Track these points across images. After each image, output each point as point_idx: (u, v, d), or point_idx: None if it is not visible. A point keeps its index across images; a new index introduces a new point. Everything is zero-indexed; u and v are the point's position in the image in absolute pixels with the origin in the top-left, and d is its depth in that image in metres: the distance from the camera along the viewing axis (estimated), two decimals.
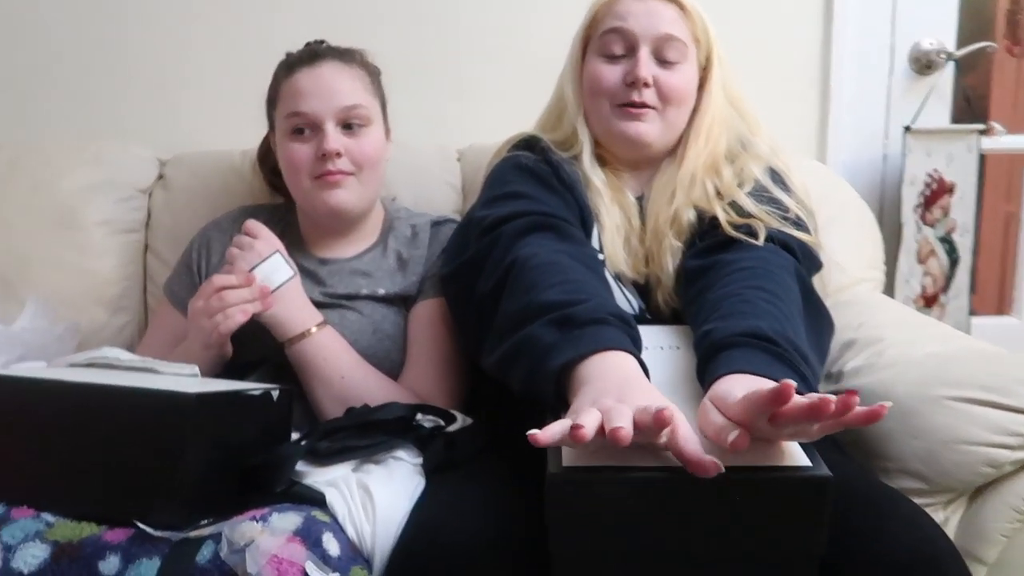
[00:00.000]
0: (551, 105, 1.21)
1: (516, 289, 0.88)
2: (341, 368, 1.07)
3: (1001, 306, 1.94)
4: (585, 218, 1.07)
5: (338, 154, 1.11)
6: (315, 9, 1.57)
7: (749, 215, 1.02)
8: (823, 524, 0.65)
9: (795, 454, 0.67)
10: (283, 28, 1.52)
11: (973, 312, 1.71)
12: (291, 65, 1.16)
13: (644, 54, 1.06)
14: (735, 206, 1.03)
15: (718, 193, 1.06)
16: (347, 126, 1.13)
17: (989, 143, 1.66)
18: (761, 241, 0.98)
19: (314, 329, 1.07)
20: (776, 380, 0.72)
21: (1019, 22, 2.44)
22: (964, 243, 1.67)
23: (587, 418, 0.63)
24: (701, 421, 0.69)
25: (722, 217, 1.02)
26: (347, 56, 1.17)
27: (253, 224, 1.11)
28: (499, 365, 0.86)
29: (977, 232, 1.68)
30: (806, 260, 1.01)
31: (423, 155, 1.48)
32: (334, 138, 1.11)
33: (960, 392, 0.91)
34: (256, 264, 1.06)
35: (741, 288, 0.89)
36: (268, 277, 1.06)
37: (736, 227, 1.00)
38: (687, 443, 0.63)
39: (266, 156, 1.28)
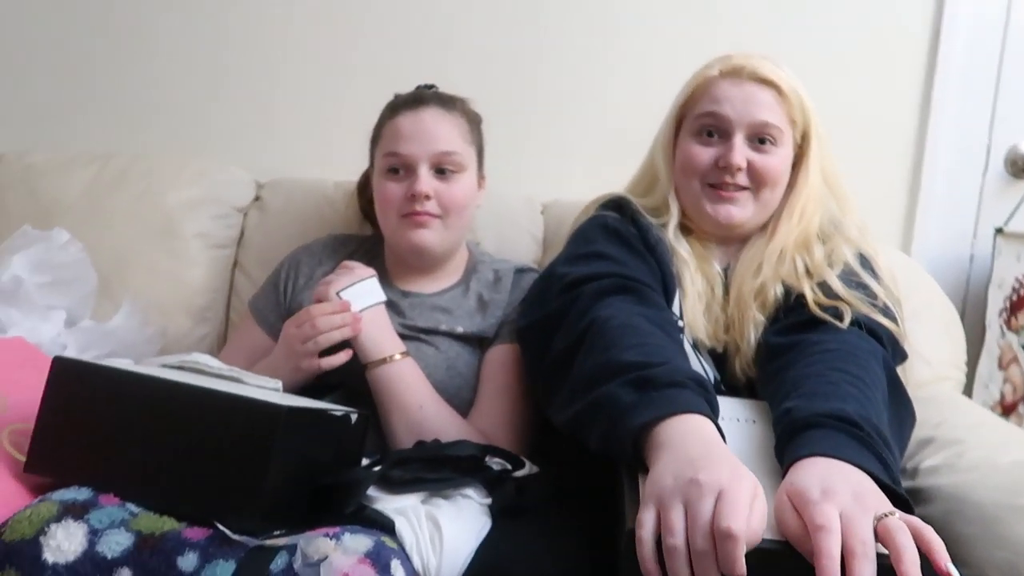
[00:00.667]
0: (643, 172, 1.23)
1: (594, 348, 0.89)
2: (420, 398, 1.09)
3: None
4: (668, 283, 1.07)
5: (427, 196, 1.15)
6: (419, 57, 1.64)
7: (837, 297, 1.01)
8: None
9: None
10: (386, 71, 1.60)
11: None
12: (396, 107, 1.21)
13: (739, 140, 1.07)
14: (824, 286, 1.03)
15: (807, 271, 1.06)
16: (440, 171, 1.17)
17: None
18: (847, 324, 0.97)
19: (398, 356, 1.10)
20: (858, 465, 0.72)
21: None
22: None
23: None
24: (778, 514, 0.69)
25: (809, 296, 1.01)
26: (449, 103, 1.22)
27: (350, 262, 1.17)
28: (574, 422, 0.86)
29: None
30: (892, 349, 1.00)
31: (509, 204, 1.51)
32: (426, 181, 1.15)
33: None
34: (353, 283, 1.11)
35: (825, 369, 0.88)
36: (362, 296, 1.10)
37: (823, 308, 1.00)
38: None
39: (364, 187, 1.34)
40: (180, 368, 0.98)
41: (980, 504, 0.92)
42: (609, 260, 1.04)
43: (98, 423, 0.83)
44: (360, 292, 1.11)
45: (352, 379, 1.11)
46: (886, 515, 0.64)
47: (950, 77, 1.59)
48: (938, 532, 0.92)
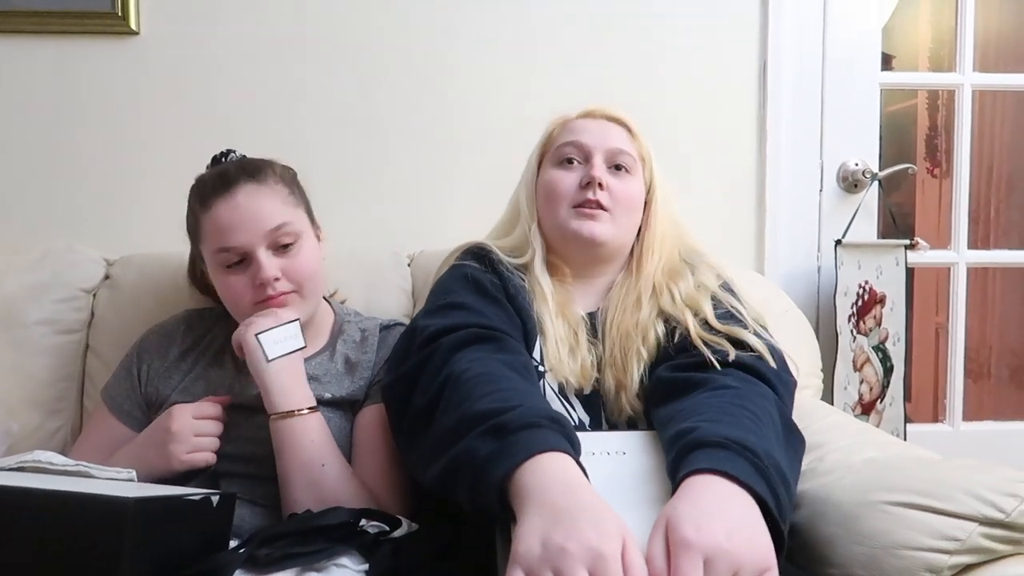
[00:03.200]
0: (504, 216, 1.26)
1: (450, 403, 0.89)
2: (325, 456, 1.06)
3: (936, 413, 2.01)
4: (528, 330, 1.08)
5: (276, 279, 1.10)
6: (266, 120, 1.62)
7: (717, 331, 1.04)
8: None
9: None
10: (239, 135, 1.54)
11: (908, 419, 1.76)
12: (205, 197, 1.13)
13: (598, 161, 1.14)
14: (703, 322, 1.07)
15: (683, 301, 1.10)
16: (281, 247, 1.12)
17: (915, 257, 1.76)
18: (732, 359, 1.00)
19: (305, 410, 1.07)
20: (751, 490, 0.74)
21: (937, 146, 2.65)
22: (897, 352, 1.74)
23: None
24: (651, 536, 0.69)
25: (693, 330, 1.04)
26: (258, 173, 1.14)
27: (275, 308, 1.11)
28: (440, 481, 0.85)
29: (908, 342, 1.75)
30: (781, 385, 1.01)
31: (376, 259, 1.50)
32: (268, 265, 1.09)
33: (898, 497, 0.92)
34: (274, 327, 1.08)
35: (725, 403, 0.90)
36: (280, 342, 1.07)
37: (707, 343, 1.02)
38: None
39: (198, 274, 1.26)
40: (20, 470, 0.91)
41: (839, 504, 0.97)
42: (467, 310, 1.04)
43: None
44: (279, 337, 1.08)
45: (218, 462, 1.08)
46: None
47: (780, 105, 1.72)
48: (805, 535, 0.97)
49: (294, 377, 1.09)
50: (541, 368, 1.06)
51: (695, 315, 1.08)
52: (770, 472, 0.78)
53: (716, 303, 1.10)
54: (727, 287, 1.15)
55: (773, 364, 1.01)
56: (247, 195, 1.11)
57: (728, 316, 1.08)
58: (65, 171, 1.61)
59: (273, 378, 1.07)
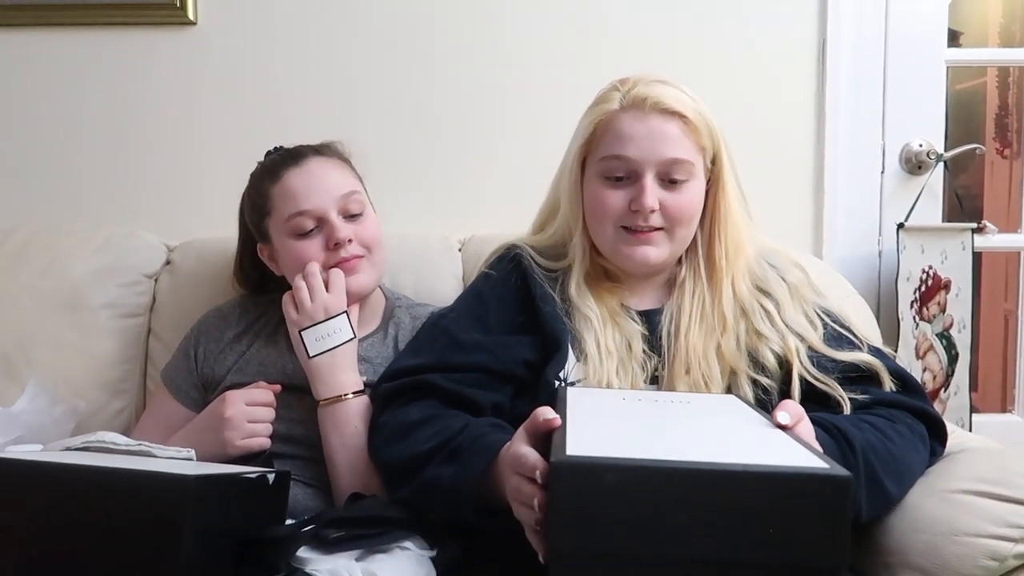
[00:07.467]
0: (543, 208, 1.18)
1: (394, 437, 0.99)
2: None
3: (1003, 403, 1.94)
4: (549, 342, 1.01)
5: (349, 240, 1.14)
6: (322, 107, 1.63)
7: (836, 361, 1.01)
8: (843, 531, 0.59)
9: (813, 460, 0.63)
10: (290, 125, 1.57)
11: (974, 409, 1.70)
12: (275, 170, 1.18)
13: (649, 181, 1.01)
14: (809, 349, 1.02)
15: (785, 322, 1.04)
16: (349, 215, 1.16)
17: (982, 241, 1.70)
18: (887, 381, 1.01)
19: (350, 395, 1.09)
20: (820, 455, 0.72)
21: (1008, 125, 2.53)
22: (962, 340, 1.68)
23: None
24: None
25: (798, 366, 0.99)
26: (326, 150, 1.23)
27: (335, 276, 1.13)
28: (409, 501, 0.94)
29: (975, 329, 1.69)
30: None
31: (427, 245, 1.51)
32: (341, 226, 1.14)
33: (960, 485, 0.90)
34: (321, 320, 1.09)
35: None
36: (324, 338, 1.09)
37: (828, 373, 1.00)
38: None
39: (245, 270, 1.31)
40: (85, 449, 0.94)
41: None
42: (443, 348, 1.06)
43: None
44: (323, 332, 1.10)
45: (272, 443, 1.09)
46: None
47: (840, 84, 1.66)
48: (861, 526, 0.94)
49: (340, 364, 1.10)
50: (568, 383, 0.98)
51: (801, 338, 1.01)
52: (858, 470, 0.83)
53: (825, 324, 1.05)
54: (813, 286, 1.10)
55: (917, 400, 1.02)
56: (318, 164, 1.18)
57: (838, 338, 1.03)
58: (127, 160, 1.65)
59: (316, 370, 1.09)
